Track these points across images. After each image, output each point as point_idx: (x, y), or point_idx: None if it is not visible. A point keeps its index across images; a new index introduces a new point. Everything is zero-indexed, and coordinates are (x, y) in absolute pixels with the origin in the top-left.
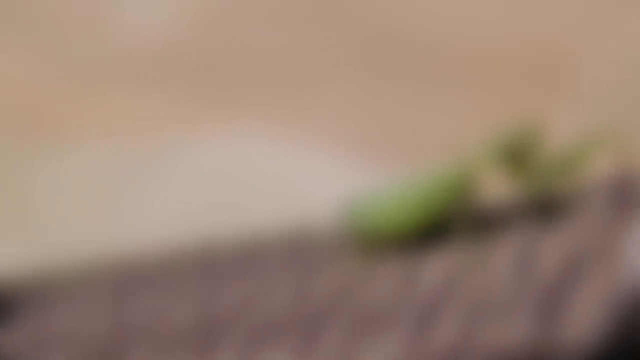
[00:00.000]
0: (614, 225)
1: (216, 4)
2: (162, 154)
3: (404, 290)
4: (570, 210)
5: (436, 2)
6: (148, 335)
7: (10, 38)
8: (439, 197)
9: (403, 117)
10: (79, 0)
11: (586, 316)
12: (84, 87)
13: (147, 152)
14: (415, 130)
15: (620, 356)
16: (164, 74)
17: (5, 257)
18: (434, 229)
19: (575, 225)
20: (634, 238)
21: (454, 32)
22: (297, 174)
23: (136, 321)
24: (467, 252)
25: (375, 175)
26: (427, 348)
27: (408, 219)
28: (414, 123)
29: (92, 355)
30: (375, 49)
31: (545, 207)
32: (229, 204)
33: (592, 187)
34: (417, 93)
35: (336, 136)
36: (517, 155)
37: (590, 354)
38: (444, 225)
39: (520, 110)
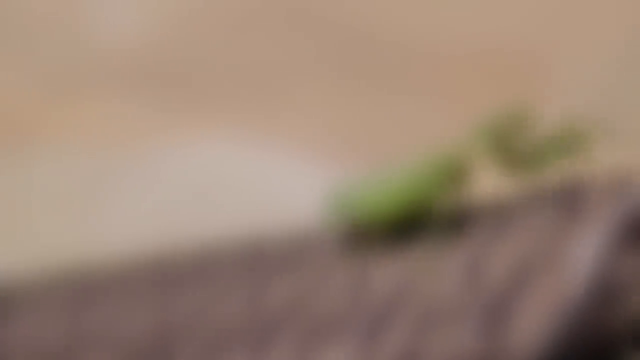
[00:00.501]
0: (561, 232)
1: (192, 10)
2: (138, 159)
3: (357, 296)
4: (519, 215)
5: (407, 6)
6: (106, 344)
7: None
8: (428, 185)
9: (376, 120)
10: (54, 6)
11: (532, 324)
12: (60, 92)
13: (124, 157)
14: (388, 132)
15: None
16: (140, 79)
17: None
18: (422, 219)
19: (524, 231)
20: (580, 245)
21: (425, 35)
22: (272, 178)
23: (95, 329)
24: (421, 257)
25: (347, 176)
26: (378, 356)
27: (397, 208)
28: (387, 125)
29: None
30: (348, 52)
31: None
32: (205, 209)
33: (542, 192)
34: (389, 95)
35: (311, 139)
36: (504, 140)
37: None
38: (432, 215)
39: (487, 111)
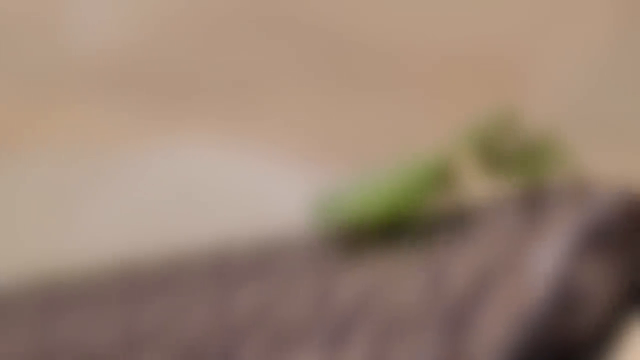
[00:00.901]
0: (523, 239)
1: (173, 15)
2: (120, 163)
3: (322, 304)
4: (482, 222)
5: (390, 11)
6: (73, 354)
7: None
8: (415, 188)
9: (359, 123)
10: (34, 10)
11: (494, 331)
12: (41, 97)
13: (106, 162)
14: (371, 136)
15: None
16: (121, 83)
17: None
18: (409, 222)
19: (487, 238)
20: (541, 252)
21: (408, 40)
22: (255, 181)
23: (62, 338)
24: (388, 263)
25: (330, 180)
26: None
27: (384, 211)
28: (370, 129)
29: None
30: (331, 57)
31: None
32: (187, 212)
33: (507, 199)
34: (372, 99)
35: (293, 142)
36: (490, 144)
37: None
38: (418, 219)
39: (471, 115)
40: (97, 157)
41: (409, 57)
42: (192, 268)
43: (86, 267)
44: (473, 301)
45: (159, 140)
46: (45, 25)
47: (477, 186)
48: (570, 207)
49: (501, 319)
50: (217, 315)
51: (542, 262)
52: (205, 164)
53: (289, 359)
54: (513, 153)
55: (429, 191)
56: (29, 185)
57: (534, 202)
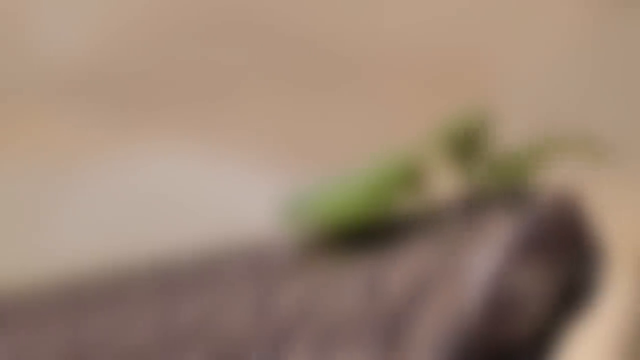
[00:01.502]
0: (459, 247)
1: (138, 23)
2: (84, 172)
3: (262, 314)
4: (423, 229)
5: (352, 14)
6: None
7: None
8: (385, 189)
9: (323, 127)
10: None
11: (429, 339)
12: (2, 107)
13: (69, 171)
14: (335, 139)
15: None
16: (85, 92)
17: None
18: (379, 224)
19: (424, 244)
20: (477, 260)
21: (367, 42)
22: (221, 187)
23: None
24: (328, 271)
25: (299, 183)
26: None
27: (354, 213)
28: (334, 132)
29: None
30: (294, 61)
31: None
32: (152, 221)
33: (445, 205)
34: (335, 102)
35: (257, 147)
36: (465, 144)
37: None
38: (388, 221)
39: (442, 115)
40: (62, 166)
41: (375, 60)
42: (138, 279)
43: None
44: (410, 308)
45: (125, 148)
46: (8, 32)
47: (448, 187)
48: (506, 213)
49: (437, 325)
50: (159, 326)
51: (478, 268)
52: (172, 171)
53: None
54: (486, 156)
55: (398, 192)
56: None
57: (471, 210)
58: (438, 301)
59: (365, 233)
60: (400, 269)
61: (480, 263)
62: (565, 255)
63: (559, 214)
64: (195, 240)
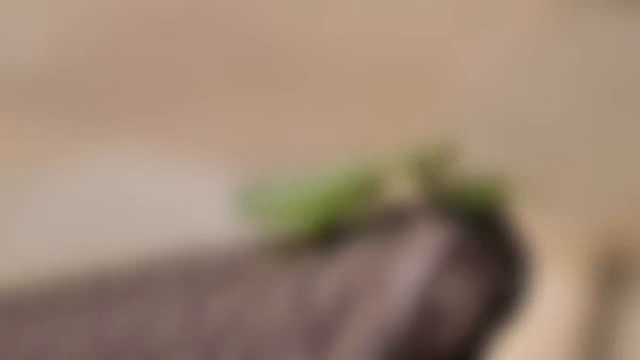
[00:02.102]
0: (386, 257)
1: (93, 27)
2: (40, 177)
3: (192, 324)
4: (352, 238)
5: (305, 14)
6: None
7: None
8: (339, 195)
9: (279, 128)
10: None
11: (354, 350)
12: None
13: (25, 177)
14: (290, 141)
15: None
16: (39, 96)
17: None
18: (329, 228)
19: (353, 256)
20: (403, 270)
21: (327, 44)
22: (177, 189)
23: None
24: (257, 280)
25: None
26: None
27: (306, 217)
28: (289, 133)
29: None
30: (248, 62)
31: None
32: (110, 224)
33: (374, 215)
34: (288, 103)
35: (213, 149)
36: (428, 170)
37: None
38: (337, 226)
39: (394, 119)
40: (16, 171)
41: (329, 61)
42: (77, 287)
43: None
44: (337, 316)
45: (80, 153)
46: None
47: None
48: (433, 222)
49: (364, 333)
50: (93, 336)
51: (404, 277)
52: (126, 174)
53: None
54: (450, 182)
55: (354, 199)
56: None
57: (399, 220)
58: (365, 310)
59: (313, 236)
60: (330, 277)
61: (406, 272)
62: (492, 265)
63: (486, 225)
64: (147, 245)
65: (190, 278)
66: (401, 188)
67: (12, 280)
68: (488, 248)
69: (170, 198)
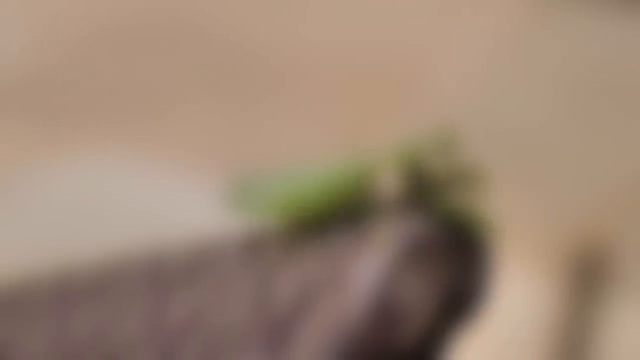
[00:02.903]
0: (345, 256)
1: (72, 31)
2: (22, 178)
3: (154, 324)
4: (311, 239)
5: (282, 20)
6: None
7: None
8: (330, 190)
9: (258, 132)
10: None
11: (313, 347)
12: None
13: (6, 178)
14: (273, 144)
15: None
16: (20, 99)
17: None
18: (321, 221)
19: (312, 254)
20: (361, 268)
21: (306, 49)
22: (158, 192)
23: None
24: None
25: (246, 177)
26: None
27: (298, 209)
28: (271, 137)
29: None
30: (229, 66)
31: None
32: (92, 227)
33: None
34: (272, 108)
35: (190, 153)
36: (416, 163)
37: None
38: (328, 220)
39: (372, 123)
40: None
41: (308, 66)
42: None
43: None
44: (296, 315)
45: (58, 155)
46: None
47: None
48: (392, 223)
49: (322, 331)
50: (56, 338)
51: (362, 277)
52: (109, 177)
53: None
54: (439, 175)
55: (342, 196)
56: None
57: (359, 218)
58: (324, 308)
59: (298, 230)
60: (290, 275)
61: (364, 271)
62: (450, 264)
63: (444, 225)
64: (122, 245)
65: (154, 278)
66: (389, 182)
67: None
68: (446, 247)
69: (149, 200)
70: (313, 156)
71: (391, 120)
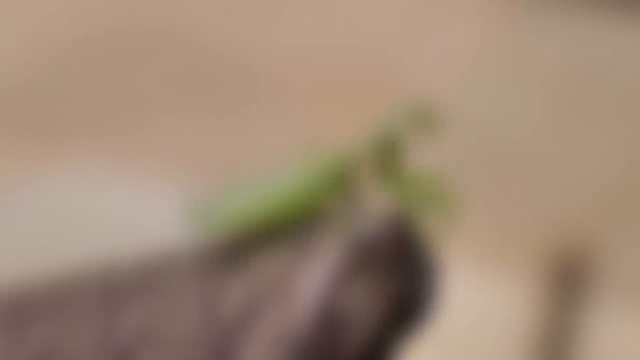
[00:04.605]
0: (291, 264)
1: (50, 41)
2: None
3: (103, 339)
4: (259, 247)
5: (260, 26)
6: None
7: None
8: (310, 189)
9: (232, 138)
10: None
11: (258, 357)
12: None
13: None
14: (246, 150)
15: None
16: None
17: None
18: (303, 223)
19: (260, 264)
20: (306, 278)
21: (279, 54)
22: (131, 202)
23: None
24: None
25: (210, 189)
26: None
27: (275, 212)
28: (245, 143)
29: None
30: (201, 73)
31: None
32: (64, 239)
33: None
34: (245, 114)
35: (171, 164)
36: (387, 155)
37: None
38: (313, 220)
39: (347, 128)
40: None
41: (281, 71)
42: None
43: None
44: (243, 326)
45: (37, 169)
46: None
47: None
48: (337, 233)
49: (268, 344)
50: (8, 353)
51: (308, 286)
52: (83, 188)
53: None
54: (405, 169)
55: (325, 193)
56: None
57: (307, 228)
58: (270, 319)
59: (282, 234)
60: (238, 286)
61: (310, 282)
62: (396, 273)
63: (389, 232)
64: (99, 256)
65: (106, 290)
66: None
67: None
68: (393, 254)
69: (121, 211)
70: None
71: (365, 125)
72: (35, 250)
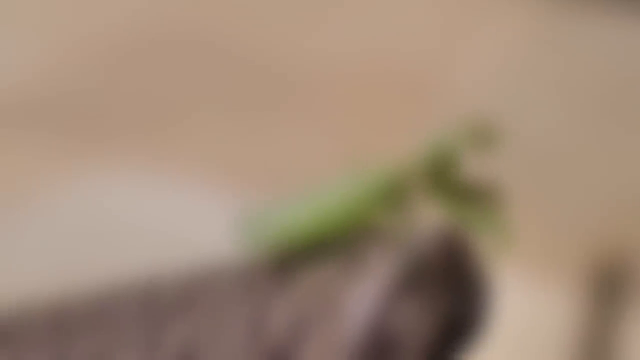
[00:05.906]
0: (341, 284)
1: (84, 44)
2: (32, 199)
3: (146, 355)
4: (307, 265)
5: (295, 34)
6: None
7: None
8: (360, 205)
9: (270, 145)
10: None
11: None
12: None
13: (17, 198)
14: (286, 159)
15: None
16: (31, 121)
17: None
18: (350, 240)
19: (308, 282)
20: (357, 296)
21: (315, 60)
22: (173, 211)
23: None
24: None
25: (259, 203)
26: None
27: (325, 228)
28: (282, 150)
29: None
30: (238, 80)
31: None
32: (105, 248)
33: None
34: (282, 120)
35: (209, 169)
36: (442, 169)
37: None
38: (360, 237)
39: (384, 134)
40: (12, 193)
41: (318, 78)
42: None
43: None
44: (293, 344)
45: (74, 176)
46: None
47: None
48: (387, 249)
49: None
50: None
51: (358, 303)
52: (123, 199)
53: None
54: (460, 184)
55: (376, 208)
56: None
57: (355, 246)
58: (320, 337)
59: (333, 248)
60: (286, 303)
61: (360, 301)
62: (448, 290)
63: (439, 251)
64: (145, 268)
65: (150, 306)
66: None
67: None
68: (444, 273)
69: (165, 219)
70: (329, 172)
71: (402, 131)
72: (80, 261)
